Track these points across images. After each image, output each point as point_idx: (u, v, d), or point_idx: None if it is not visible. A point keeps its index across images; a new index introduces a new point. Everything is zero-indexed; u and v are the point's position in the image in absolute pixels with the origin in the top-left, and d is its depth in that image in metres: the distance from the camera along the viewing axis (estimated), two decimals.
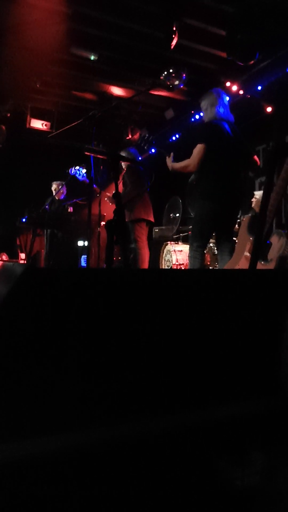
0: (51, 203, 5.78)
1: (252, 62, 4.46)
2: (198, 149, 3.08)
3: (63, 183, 5.93)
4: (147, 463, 0.83)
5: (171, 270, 3.05)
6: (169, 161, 3.32)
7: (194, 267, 3.18)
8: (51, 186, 6.14)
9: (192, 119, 6.42)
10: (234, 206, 3.25)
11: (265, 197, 1.80)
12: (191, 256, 3.24)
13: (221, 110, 3.23)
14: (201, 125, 3.40)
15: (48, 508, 0.73)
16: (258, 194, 4.58)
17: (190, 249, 3.27)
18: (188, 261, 3.43)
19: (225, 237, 3.31)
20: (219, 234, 3.37)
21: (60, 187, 5.95)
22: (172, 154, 3.33)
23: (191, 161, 3.10)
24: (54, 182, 6.10)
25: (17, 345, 0.83)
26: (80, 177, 4.69)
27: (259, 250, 2.24)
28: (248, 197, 4.93)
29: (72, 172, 4.70)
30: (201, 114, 6.18)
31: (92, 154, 2.89)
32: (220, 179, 3.08)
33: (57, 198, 5.94)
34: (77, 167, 4.66)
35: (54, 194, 5.98)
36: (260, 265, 2.48)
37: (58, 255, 5.79)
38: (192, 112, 6.27)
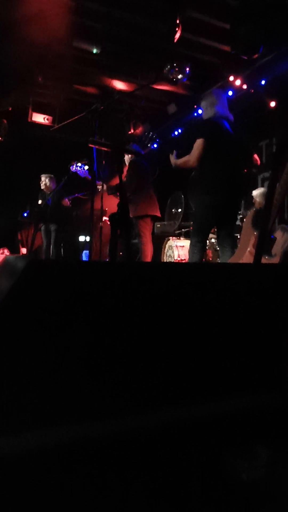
0: (43, 197, 5.74)
1: (256, 56, 4.43)
2: (198, 144, 3.12)
3: (52, 176, 5.87)
4: (152, 456, 0.83)
5: (174, 263, 3.03)
6: (172, 158, 3.37)
7: (192, 261, 3.20)
8: (40, 179, 6.02)
9: (195, 114, 6.39)
10: (235, 201, 3.27)
11: (269, 191, 1.79)
12: (190, 251, 3.27)
13: (221, 109, 3.29)
14: (201, 121, 3.50)
15: (50, 500, 0.72)
16: (257, 195, 4.56)
17: (190, 244, 3.31)
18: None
19: (226, 232, 3.32)
20: (220, 229, 3.37)
21: (47, 179, 5.88)
22: (175, 151, 3.38)
23: (191, 156, 3.14)
24: (43, 175, 6.00)
25: (20, 338, 0.82)
26: (82, 174, 4.66)
27: (264, 245, 2.23)
28: (250, 192, 4.92)
29: (74, 169, 4.65)
30: (203, 110, 6.21)
31: (97, 147, 2.87)
32: (220, 175, 3.10)
33: (48, 192, 5.87)
34: (79, 164, 4.61)
35: (42, 187, 5.92)
36: (264, 260, 2.47)
37: (58, 250, 5.78)
38: (195, 106, 6.23)
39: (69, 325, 0.87)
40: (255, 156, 3.35)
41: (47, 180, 5.92)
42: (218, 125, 3.19)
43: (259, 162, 3.40)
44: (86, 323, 0.88)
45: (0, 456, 0.70)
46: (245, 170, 3.36)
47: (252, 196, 4.83)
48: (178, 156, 3.35)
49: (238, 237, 4.52)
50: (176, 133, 7.19)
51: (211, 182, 3.12)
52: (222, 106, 3.31)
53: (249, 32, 4.24)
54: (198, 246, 3.20)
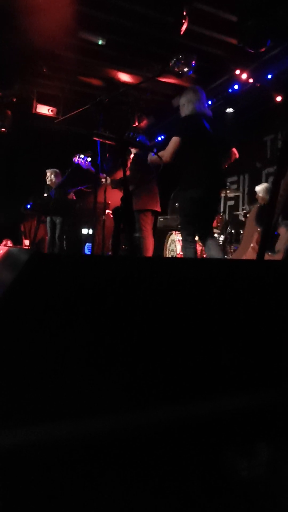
0: (49, 191, 5.72)
1: (263, 49, 4.38)
2: (173, 141, 3.21)
3: (57, 170, 5.85)
4: (151, 454, 0.83)
5: (176, 258, 3.03)
6: (150, 156, 3.52)
7: (187, 256, 3.26)
8: (45, 174, 6.00)
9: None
10: (215, 195, 3.38)
11: (274, 187, 1.78)
12: (183, 246, 3.35)
13: (199, 106, 3.35)
14: (179, 119, 3.52)
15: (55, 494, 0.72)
16: (260, 190, 4.53)
17: (182, 240, 3.39)
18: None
19: (205, 225, 3.39)
20: (200, 221, 3.43)
21: (52, 175, 5.87)
22: (155, 149, 3.58)
23: (165, 152, 3.23)
24: (48, 170, 5.98)
25: (21, 331, 0.82)
26: (84, 166, 4.63)
27: (267, 241, 2.22)
28: (254, 188, 4.89)
29: (76, 161, 4.63)
30: (208, 103, 6.16)
31: (101, 140, 2.86)
32: (200, 170, 3.19)
33: (54, 187, 5.86)
34: (82, 156, 4.59)
35: (48, 182, 5.90)
36: (267, 256, 2.46)
37: (61, 243, 5.77)
38: None
39: (70, 319, 0.87)
40: (234, 150, 3.44)
41: (52, 176, 5.90)
42: (196, 123, 3.27)
43: (237, 155, 3.47)
44: (86, 317, 0.88)
45: (1, 450, 0.70)
46: (225, 166, 3.44)
47: (255, 192, 4.80)
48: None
49: (241, 232, 4.51)
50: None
51: (192, 178, 3.21)
52: (200, 103, 3.36)
53: (257, 25, 4.19)
54: (189, 239, 3.28)
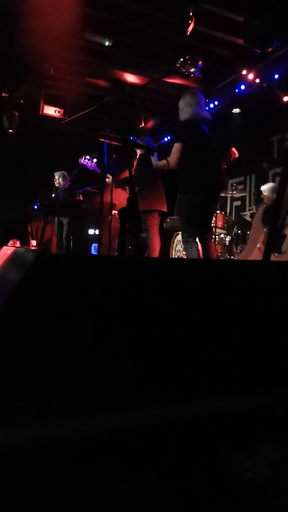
0: (56, 191, 5.75)
1: (269, 49, 4.36)
2: (176, 148, 3.28)
3: (65, 173, 5.88)
4: (155, 453, 0.83)
5: (182, 259, 3.03)
6: (153, 159, 3.56)
7: (190, 257, 3.29)
8: (53, 177, 6.03)
9: (207, 108, 6.33)
10: (214, 196, 3.42)
11: (281, 188, 1.77)
12: (185, 248, 3.40)
13: (197, 109, 3.39)
14: (178, 124, 3.57)
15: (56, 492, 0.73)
16: (265, 190, 4.51)
17: (182, 241, 3.45)
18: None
19: (204, 227, 3.48)
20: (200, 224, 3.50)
21: (60, 178, 5.89)
22: (156, 153, 3.59)
23: (170, 159, 3.32)
24: (56, 173, 6.01)
25: (29, 329, 0.83)
26: (90, 167, 4.65)
27: (273, 242, 2.21)
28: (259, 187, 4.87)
29: (82, 162, 4.65)
30: (214, 103, 6.16)
31: (107, 141, 2.87)
32: (199, 173, 3.25)
33: (62, 189, 5.88)
34: (88, 157, 4.61)
35: (56, 185, 5.93)
36: (274, 257, 2.45)
37: (68, 243, 5.80)
38: (207, 100, 6.17)
39: (75, 319, 0.87)
40: (233, 149, 3.49)
41: (60, 179, 5.93)
42: (195, 127, 3.32)
43: (237, 154, 3.52)
44: (91, 317, 0.89)
45: (7, 448, 0.71)
46: (225, 166, 3.50)
47: (261, 191, 4.77)
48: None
49: (248, 233, 4.49)
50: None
51: (191, 181, 3.27)
52: (199, 106, 3.41)
53: (263, 25, 4.18)
54: (190, 240, 3.34)
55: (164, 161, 3.38)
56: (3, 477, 0.70)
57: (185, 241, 3.41)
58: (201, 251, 3.49)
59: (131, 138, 4.29)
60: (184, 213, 3.39)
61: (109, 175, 4.05)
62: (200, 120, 3.37)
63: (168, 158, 3.36)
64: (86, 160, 4.58)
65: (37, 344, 0.81)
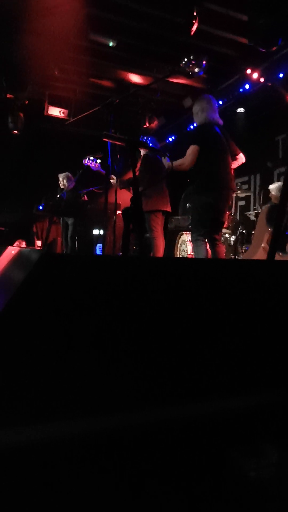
0: (63, 192, 5.77)
1: (274, 48, 4.35)
2: (192, 149, 3.38)
3: (69, 174, 5.90)
4: (158, 453, 0.83)
5: (186, 259, 3.03)
6: (164, 161, 3.63)
7: (199, 255, 3.38)
8: (57, 179, 6.04)
9: None
10: (226, 201, 3.52)
11: (285, 187, 1.77)
12: (194, 246, 3.48)
13: (211, 114, 3.53)
14: (194, 128, 3.75)
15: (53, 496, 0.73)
16: (273, 189, 4.50)
17: (192, 240, 3.55)
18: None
19: (216, 228, 3.55)
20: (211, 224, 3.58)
21: (64, 180, 5.91)
22: (167, 154, 3.71)
23: (185, 161, 3.42)
24: (60, 175, 6.02)
25: (32, 329, 0.83)
26: (94, 168, 4.67)
27: (278, 241, 2.20)
28: (267, 186, 4.86)
29: (86, 163, 4.67)
30: (218, 103, 6.14)
31: (111, 141, 2.88)
32: (213, 176, 3.37)
33: (67, 190, 5.89)
34: (92, 158, 4.62)
35: (61, 186, 5.95)
36: (278, 257, 2.44)
37: (73, 244, 5.82)
38: None
39: (79, 319, 0.88)
40: (241, 155, 3.65)
41: (64, 180, 5.96)
42: (210, 131, 3.46)
43: (244, 160, 3.67)
44: (95, 317, 0.89)
45: (7, 448, 0.71)
46: (232, 168, 3.62)
47: (269, 190, 4.76)
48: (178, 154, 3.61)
49: (253, 232, 4.48)
50: (192, 127, 7.13)
51: (205, 183, 3.39)
52: (212, 111, 3.54)
53: (267, 24, 4.17)
54: (200, 239, 3.43)
55: (179, 162, 3.47)
56: (2, 477, 0.70)
57: (194, 240, 3.50)
58: (209, 251, 3.55)
59: (141, 138, 4.31)
60: (198, 213, 3.49)
61: (113, 177, 4.06)
62: (214, 124, 3.51)
63: (182, 159, 3.46)
64: (90, 161, 4.60)
65: (39, 344, 0.82)
